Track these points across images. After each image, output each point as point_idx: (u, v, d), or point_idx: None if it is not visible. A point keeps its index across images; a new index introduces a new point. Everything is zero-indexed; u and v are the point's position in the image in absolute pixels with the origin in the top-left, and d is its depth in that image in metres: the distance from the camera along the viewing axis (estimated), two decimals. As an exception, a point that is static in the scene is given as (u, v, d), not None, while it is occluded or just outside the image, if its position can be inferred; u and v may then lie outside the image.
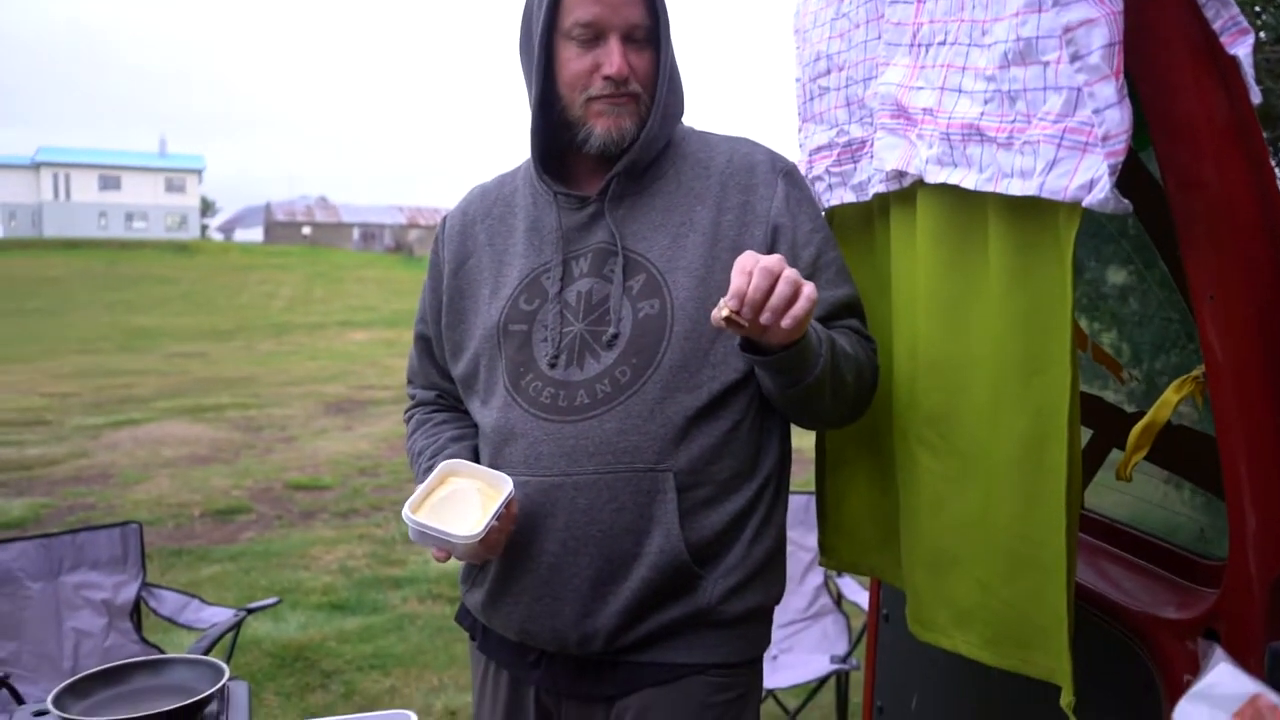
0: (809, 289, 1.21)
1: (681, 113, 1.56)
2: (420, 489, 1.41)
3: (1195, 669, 0.90)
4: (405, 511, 1.37)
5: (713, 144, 1.56)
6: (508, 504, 1.37)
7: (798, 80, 1.81)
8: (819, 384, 1.33)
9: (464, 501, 1.38)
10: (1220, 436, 1.08)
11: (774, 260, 1.21)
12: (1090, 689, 1.27)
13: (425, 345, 1.72)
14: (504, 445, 1.47)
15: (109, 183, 66.65)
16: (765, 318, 1.20)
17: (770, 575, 1.50)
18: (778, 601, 1.55)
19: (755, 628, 1.50)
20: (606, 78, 1.43)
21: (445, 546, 1.37)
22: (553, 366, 1.45)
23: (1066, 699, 1.22)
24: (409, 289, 31.41)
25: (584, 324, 1.46)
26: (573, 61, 1.45)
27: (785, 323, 1.20)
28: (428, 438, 1.64)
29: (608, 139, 1.45)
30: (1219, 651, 0.86)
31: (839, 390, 1.38)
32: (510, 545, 1.43)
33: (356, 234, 71.54)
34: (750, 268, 1.20)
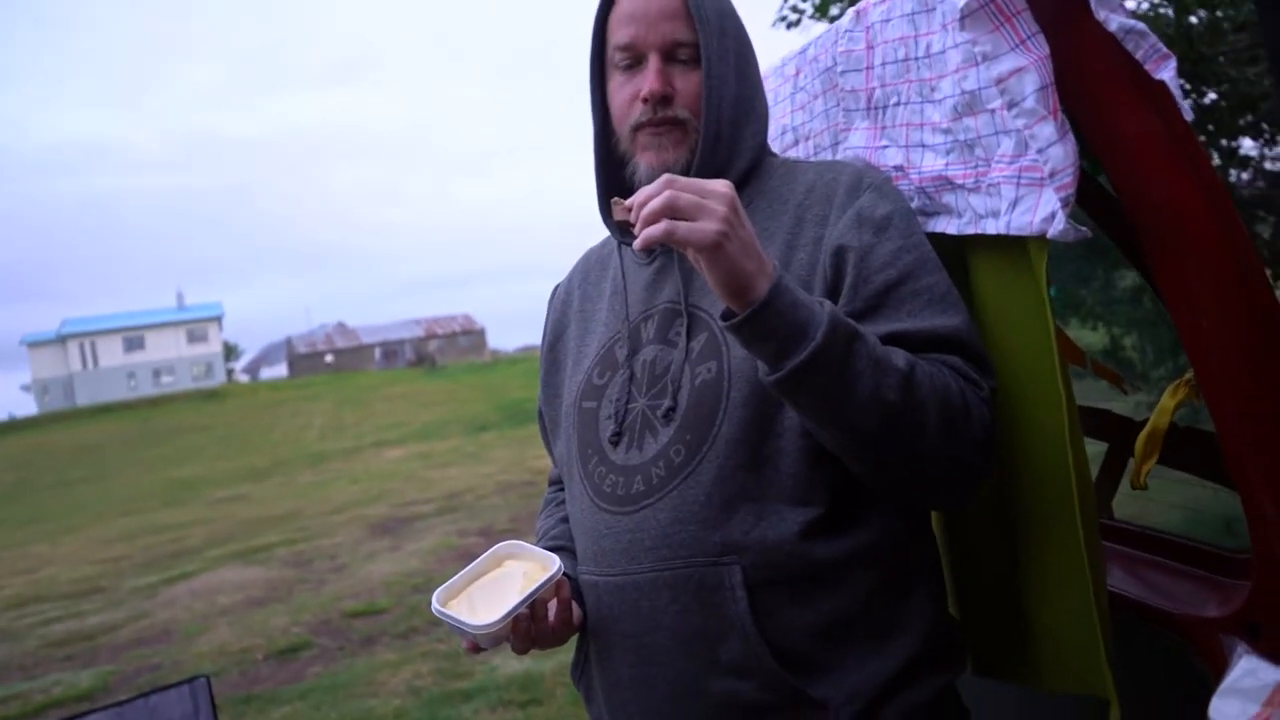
0: (721, 189, 1.06)
1: (757, 142, 1.38)
2: (464, 573, 1.27)
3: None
4: (433, 599, 1.24)
5: (798, 173, 1.36)
6: (554, 588, 1.23)
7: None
8: (828, 381, 1.07)
9: (506, 586, 1.24)
10: (1221, 436, 1.12)
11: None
12: (1147, 696, 1.29)
13: (542, 422, 1.57)
14: (580, 539, 1.34)
15: (133, 343, 68.02)
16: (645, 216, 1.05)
17: (925, 674, 1.22)
18: (949, 686, 1.27)
19: None
20: (644, 100, 1.29)
21: (463, 636, 1.21)
22: (615, 445, 1.29)
23: (1114, 715, 1.23)
24: (435, 400, 31.65)
25: (646, 398, 1.29)
26: (617, 92, 1.34)
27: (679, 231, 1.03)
28: (545, 519, 1.55)
29: (650, 176, 1.28)
30: (1240, 646, 0.88)
31: (889, 414, 1.09)
32: (597, 653, 1.31)
33: (378, 354, 72.37)
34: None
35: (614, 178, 1.37)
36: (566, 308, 1.53)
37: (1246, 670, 0.83)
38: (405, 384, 43.92)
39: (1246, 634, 1.19)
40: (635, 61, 1.32)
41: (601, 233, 1.52)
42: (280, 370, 76.91)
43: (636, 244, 1.08)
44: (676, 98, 1.30)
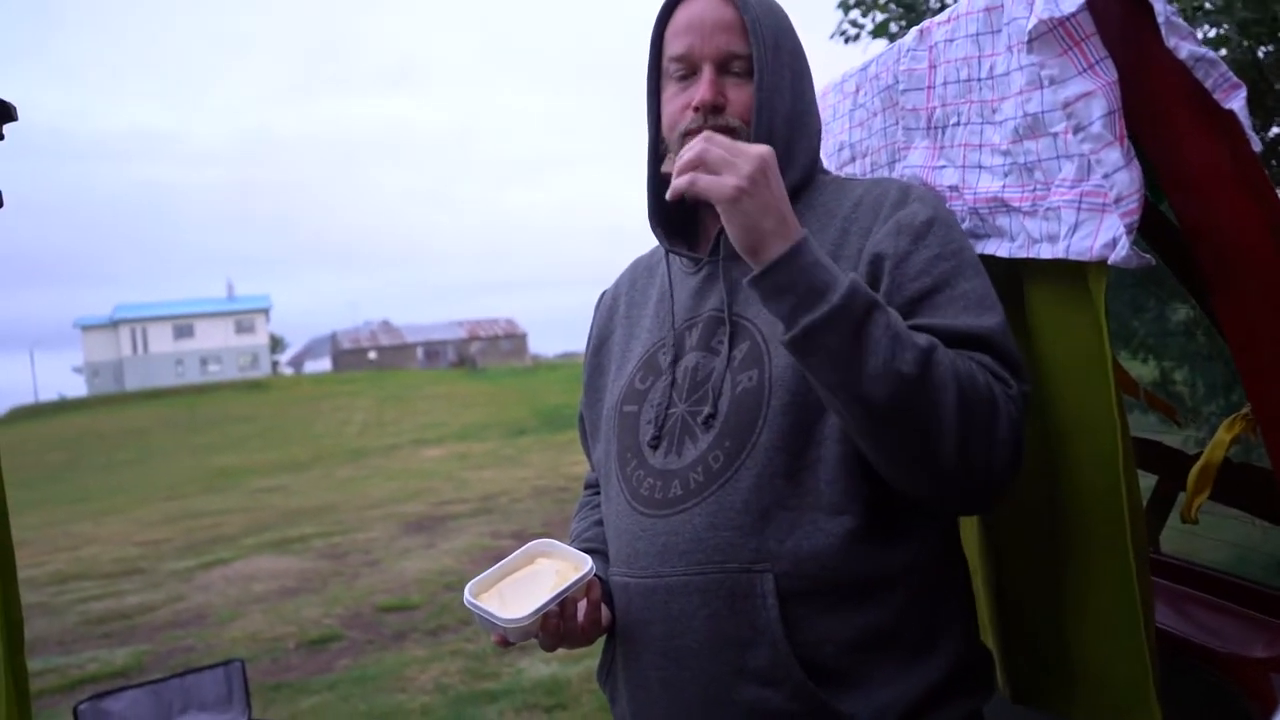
0: (755, 150, 1.10)
1: (809, 158, 1.39)
2: (496, 568, 1.29)
3: None
4: (466, 590, 1.26)
5: (849, 189, 1.36)
6: (585, 588, 1.25)
7: (825, 171, 1.89)
8: (841, 342, 1.07)
9: (538, 583, 1.25)
10: (1277, 472, 1.10)
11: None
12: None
13: (582, 426, 1.60)
14: (613, 541, 1.36)
15: (182, 331, 69.28)
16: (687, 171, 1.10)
17: (954, 697, 1.22)
18: (975, 713, 1.27)
19: None
20: (695, 109, 1.31)
21: (493, 630, 1.23)
22: (654, 449, 1.30)
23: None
24: (475, 401, 31.86)
25: (686, 404, 1.30)
26: (669, 102, 1.36)
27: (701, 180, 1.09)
28: (579, 521, 1.57)
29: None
30: None
31: (903, 388, 1.07)
32: (625, 655, 1.32)
33: (421, 353, 73.05)
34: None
35: (664, 188, 1.37)
36: (613, 313, 1.55)
37: (1296, 710, 0.82)
38: (446, 384, 44.29)
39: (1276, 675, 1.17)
40: (690, 72, 1.34)
41: (651, 242, 1.53)
42: (324, 364, 77.88)
43: (668, 194, 1.13)
44: (729, 108, 1.31)
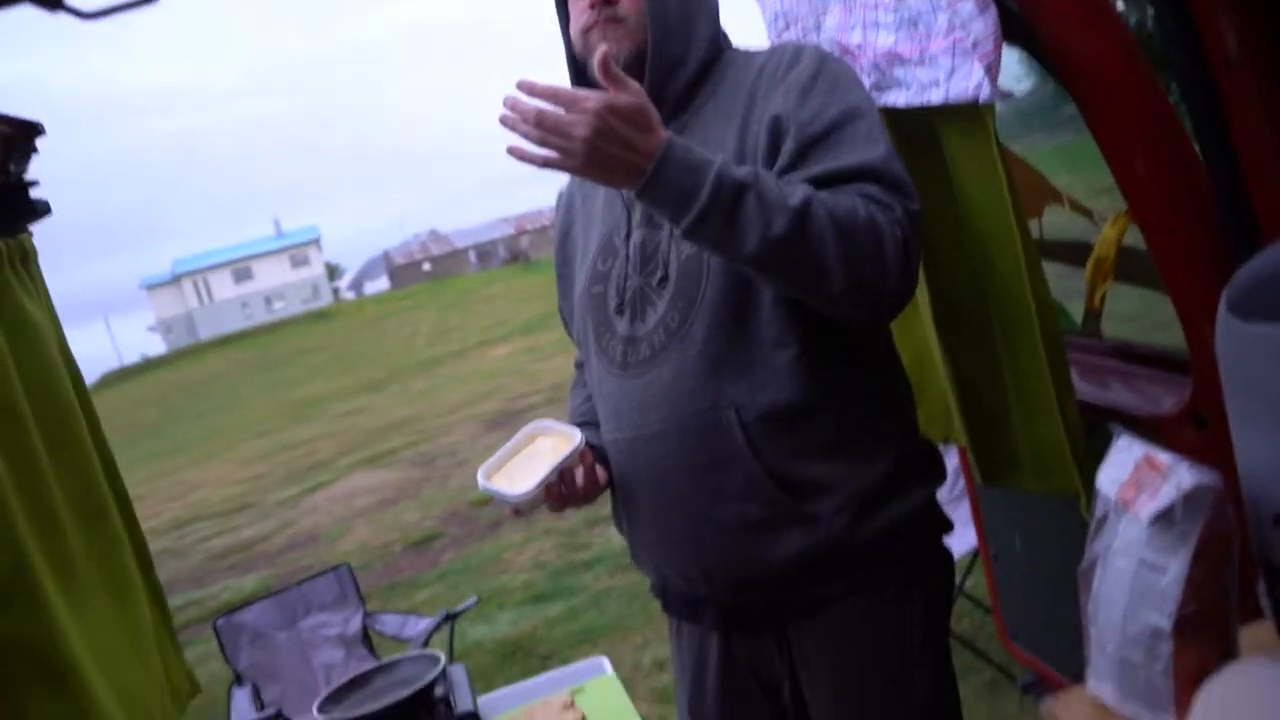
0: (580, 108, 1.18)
1: (708, 33, 1.48)
2: (502, 451, 1.48)
3: (1199, 457, 1.06)
4: (479, 474, 1.44)
5: (753, 60, 1.46)
6: (580, 456, 1.42)
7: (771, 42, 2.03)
8: (719, 228, 1.23)
9: (538, 460, 1.43)
10: (1153, 255, 1.27)
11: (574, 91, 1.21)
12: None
13: (563, 315, 1.74)
14: (600, 405, 1.54)
15: (241, 275, 70.46)
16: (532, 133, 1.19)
17: (905, 487, 1.42)
18: (930, 498, 1.47)
19: (905, 540, 1.43)
20: (590, 5, 1.41)
21: (506, 504, 1.42)
22: (620, 317, 1.46)
23: (1083, 506, 1.43)
24: (534, 294, 32.17)
25: (640, 276, 1.45)
26: (573, 6, 1.46)
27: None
28: (574, 399, 1.74)
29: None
30: (1118, 428, 1.05)
31: (783, 248, 1.23)
32: (623, 501, 1.52)
33: (473, 256, 73.48)
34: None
35: (583, 80, 1.49)
36: (570, 209, 1.69)
37: (1121, 447, 1.01)
38: (502, 283, 44.70)
39: (1194, 425, 1.36)
40: None
41: None
42: (382, 284, 78.74)
43: (508, 150, 1.22)
44: (620, 1, 1.41)
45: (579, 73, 1.52)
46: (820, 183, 1.29)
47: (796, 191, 1.25)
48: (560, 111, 1.19)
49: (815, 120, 1.33)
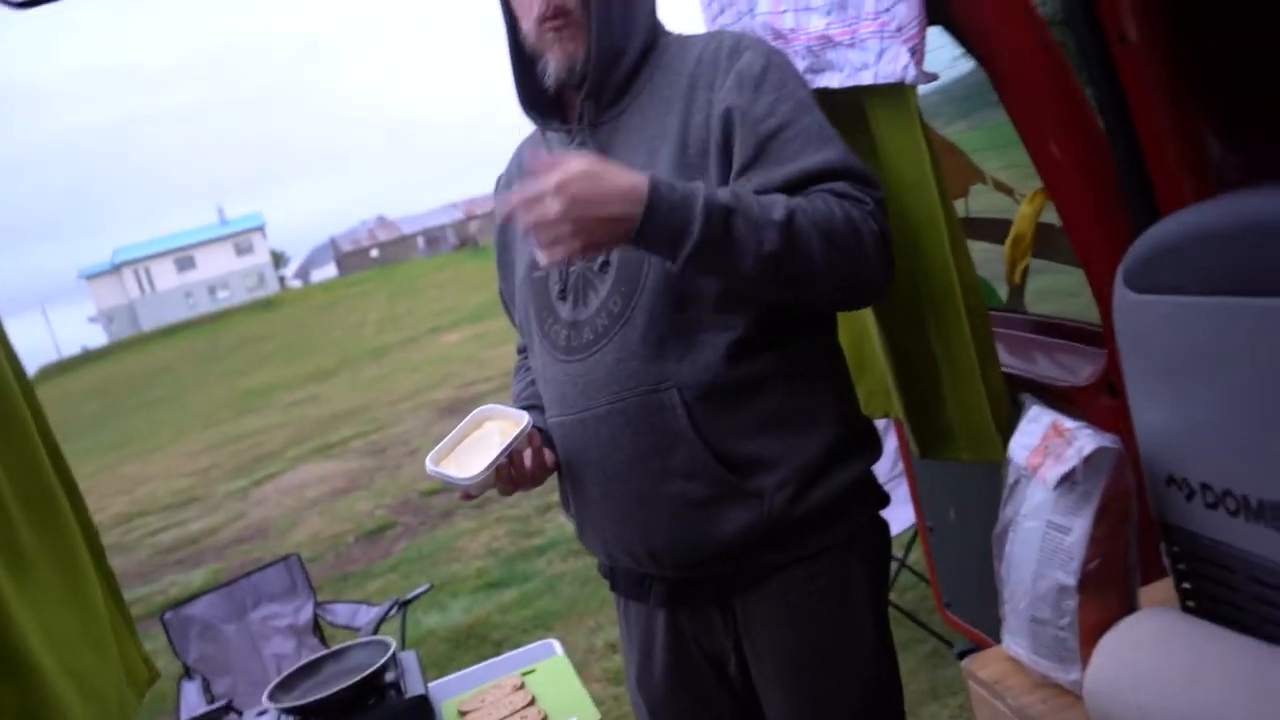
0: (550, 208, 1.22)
1: (647, 21, 1.51)
2: (450, 436, 1.49)
3: (1112, 424, 1.11)
4: (427, 460, 1.45)
5: (690, 46, 1.49)
6: (528, 439, 1.44)
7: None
8: (717, 256, 1.27)
9: (486, 444, 1.45)
10: (1067, 231, 1.33)
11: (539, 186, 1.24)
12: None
13: (503, 300, 1.77)
14: (545, 389, 1.56)
15: (184, 264, 69.29)
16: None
17: (845, 461, 1.46)
18: (867, 471, 1.52)
19: (844, 512, 1.48)
20: (545, 3, 1.42)
21: (456, 489, 1.44)
22: (563, 302, 1.48)
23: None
24: (482, 280, 31.97)
25: (582, 261, 1.46)
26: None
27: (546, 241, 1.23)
28: (518, 383, 1.76)
29: (559, 70, 1.45)
30: (1029, 398, 1.11)
31: (777, 262, 1.28)
32: (570, 483, 1.54)
33: (421, 242, 72.86)
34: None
35: (528, 73, 1.52)
36: (510, 193, 1.73)
37: (1032, 416, 1.07)
38: (451, 269, 44.40)
39: (1108, 394, 1.43)
40: None
41: None
42: (330, 271, 77.86)
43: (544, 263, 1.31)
44: None
45: (518, 51, 1.52)
46: (790, 187, 1.33)
47: (777, 205, 1.29)
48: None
49: (769, 117, 1.36)
